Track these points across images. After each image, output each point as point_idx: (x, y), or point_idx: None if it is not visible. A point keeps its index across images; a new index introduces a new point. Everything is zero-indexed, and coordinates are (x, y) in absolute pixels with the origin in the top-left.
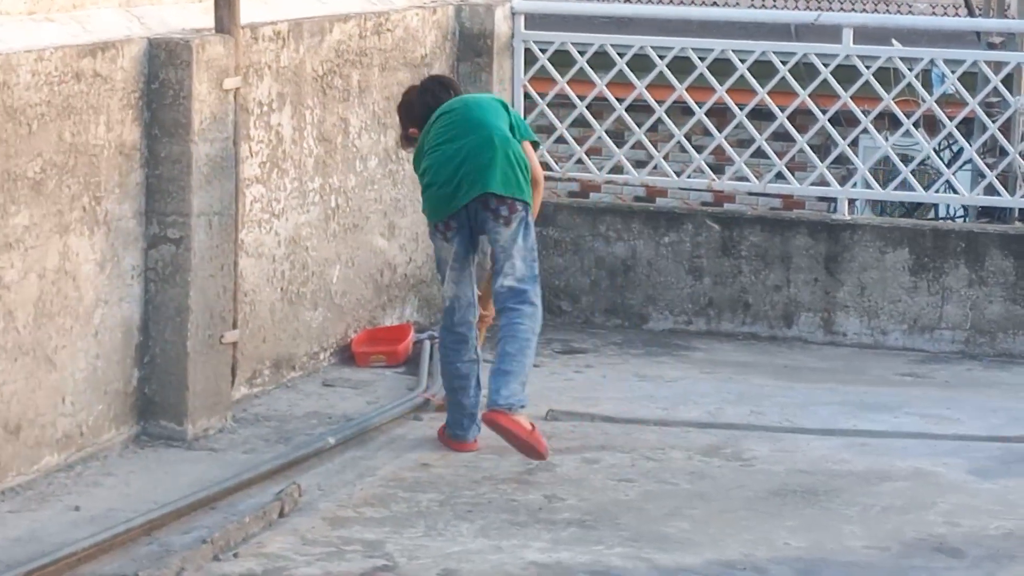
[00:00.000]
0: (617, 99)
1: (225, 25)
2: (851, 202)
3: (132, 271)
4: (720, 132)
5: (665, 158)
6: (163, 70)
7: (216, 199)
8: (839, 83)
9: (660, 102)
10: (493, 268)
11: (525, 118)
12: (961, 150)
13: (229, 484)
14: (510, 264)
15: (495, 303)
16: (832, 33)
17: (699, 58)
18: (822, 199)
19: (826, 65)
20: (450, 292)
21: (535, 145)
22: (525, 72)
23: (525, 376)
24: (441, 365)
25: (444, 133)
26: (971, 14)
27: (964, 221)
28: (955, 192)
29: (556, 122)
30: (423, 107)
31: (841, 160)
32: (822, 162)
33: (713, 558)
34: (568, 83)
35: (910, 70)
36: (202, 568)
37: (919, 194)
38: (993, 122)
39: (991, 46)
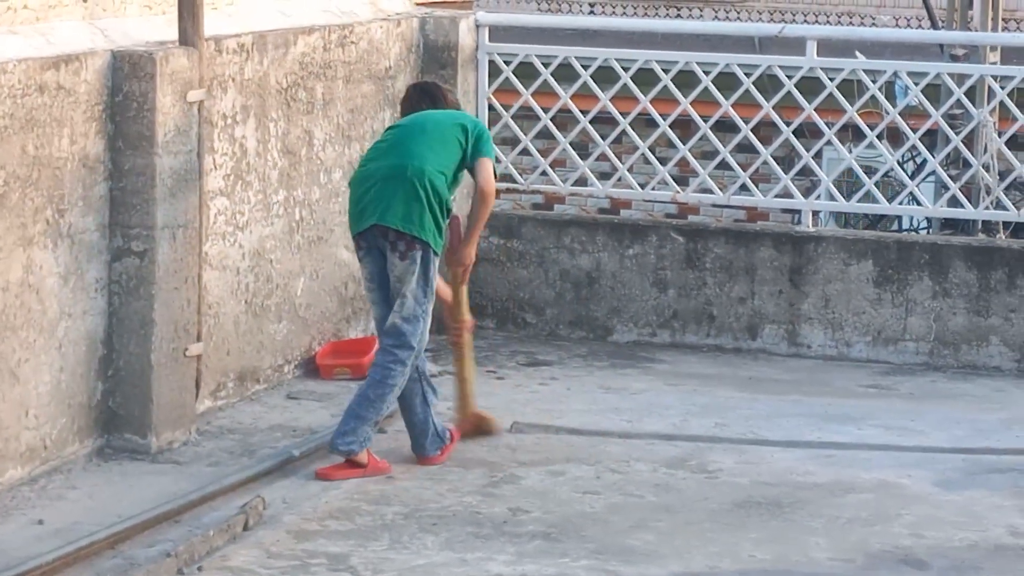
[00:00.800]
0: (581, 111)
1: (189, 38)
2: (815, 214)
3: (96, 284)
4: (684, 144)
5: (629, 170)
6: (127, 83)
7: (180, 212)
8: (803, 95)
9: (624, 114)
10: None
11: (490, 131)
12: (925, 162)
13: (193, 497)
14: (400, 301)
15: (381, 335)
16: (796, 45)
17: (663, 70)
18: (786, 211)
19: (790, 77)
20: (374, 313)
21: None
22: (489, 84)
23: (376, 418)
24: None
25: (375, 150)
26: (934, 26)
27: (928, 233)
28: (919, 204)
29: (520, 134)
30: (402, 110)
31: (805, 172)
32: (786, 174)
33: (678, 571)
34: (532, 95)
35: (874, 82)
36: None
37: (883, 206)
38: (956, 134)
39: (954, 58)
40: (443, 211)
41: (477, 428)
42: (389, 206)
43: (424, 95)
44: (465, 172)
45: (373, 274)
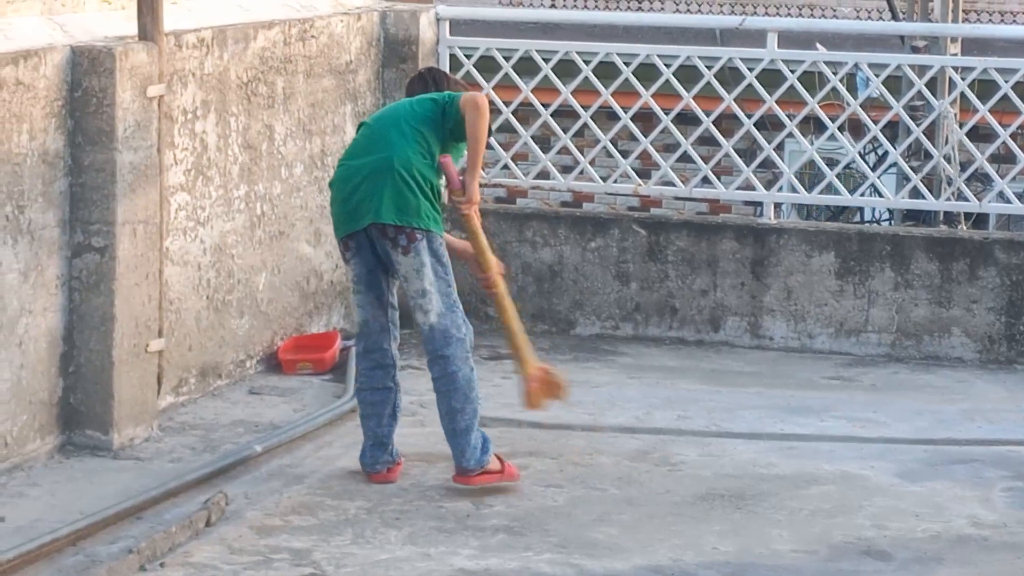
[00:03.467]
0: (543, 104)
1: (148, 32)
2: (777, 206)
3: (56, 280)
4: (646, 137)
5: (591, 163)
6: (86, 78)
7: (141, 207)
8: (764, 87)
9: (586, 107)
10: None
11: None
12: (886, 154)
13: (155, 493)
14: (427, 299)
15: (423, 345)
16: (757, 38)
17: (624, 63)
18: (748, 203)
19: (751, 69)
20: (359, 316)
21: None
22: None
23: (476, 420)
24: (355, 390)
25: (354, 147)
26: (895, 18)
27: (890, 224)
28: (880, 196)
29: None
30: (408, 89)
31: (767, 164)
32: (748, 166)
33: (642, 563)
34: (494, 89)
35: (834, 74)
36: None
37: (844, 198)
38: (917, 125)
39: (915, 50)
40: (435, 195)
41: (545, 385)
42: (382, 202)
43: (419, 80)
44: (457, 143)
45: (361, 276)
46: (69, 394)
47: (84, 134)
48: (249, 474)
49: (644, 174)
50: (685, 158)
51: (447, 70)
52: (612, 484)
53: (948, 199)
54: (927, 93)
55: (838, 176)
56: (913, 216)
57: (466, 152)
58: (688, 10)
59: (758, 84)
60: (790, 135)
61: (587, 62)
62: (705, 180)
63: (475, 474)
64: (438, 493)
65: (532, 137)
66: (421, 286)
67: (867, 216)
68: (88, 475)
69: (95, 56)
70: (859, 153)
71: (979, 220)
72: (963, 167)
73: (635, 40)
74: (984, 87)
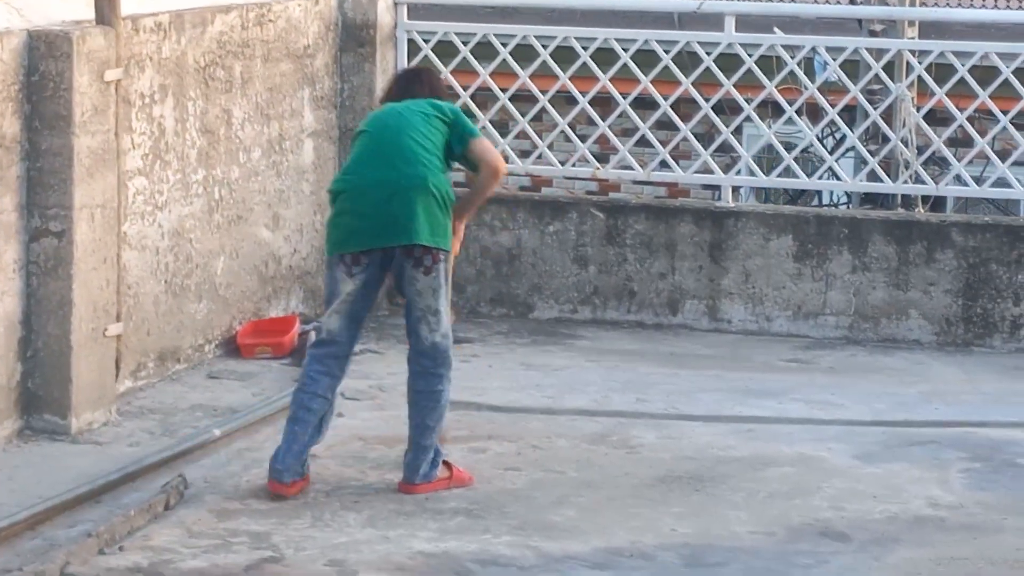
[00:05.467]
0: (501, 89)
1: (106, 17)
2: (735, 190)
3: (14, 265)
4: (604, 121)
5: (550, 147)
6: (43, 62)
7: (98, 192)
8: (722, 71)
9: (544, 91)
10: (409, 314)
11: None
12: (844, 137)
13: (114, 478)
14: (435, 318)
15: (412, 352)
16: (715, 21)
17: (582, 47)
18: (707, 187)
19: (709, 53)
20: (333, 326)
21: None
22: (408, 62)
23: (438, 438)
24: (294, 390)
25: (364, 157)
26: (852, 2)
27: (848, 208)
28: (838, 179)
29: None
30: (388, 94)
31: (725, 148)
32: (706, 150)
33: (600, 545)
34: (452, 73)
35: (792, 58)
36: (87, 562)
37: (802, 181)
38: (875, 109)
39: (872, 33)
40: (448, 213)
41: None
42: (418, 222)
43: (411, 80)
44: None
45: (356, 291)
46: (27, 379)
47: (41, 118)
48: (208, 458)
49: (603, 159)
50: (643, 142)
51: (405, 55)
52: (571, 467)
53: (905, 182)
54: (884, 77)
55: (796, 159)
56: (871, 199)
57: (465, 200)
58: None
59: (716, 68)
60: (748, 119)
61: (545, 46)
62: (663, 164)
63: (421, 486)
64: (397, 476)
65: (490, 121)
66: (435, 306)
67: (825, 199)
68: (46, 460)
69: (52, 40)
70: (817, 137)
71: (936, 203)
72: (920, 150)
73: (593, 24)
74: (941, 71)
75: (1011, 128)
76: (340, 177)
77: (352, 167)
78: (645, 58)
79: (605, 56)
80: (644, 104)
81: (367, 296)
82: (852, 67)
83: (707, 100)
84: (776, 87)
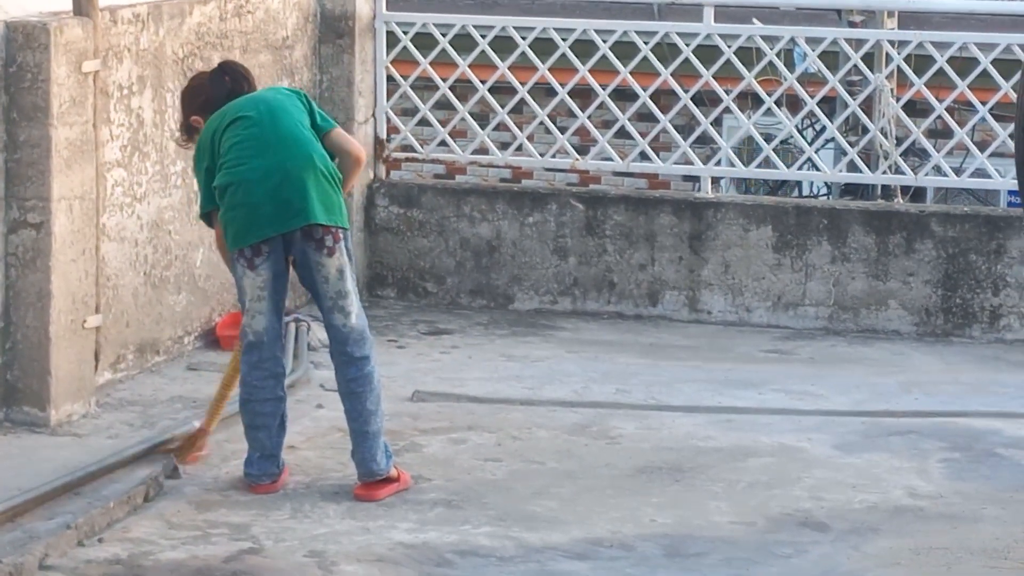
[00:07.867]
0: (480, 80)
1: (83, 7)
2: (715, 181)
3: None
4: (583, 112)
5: (529, 139)
6: (20, 53)
7: (77, 183)
8: (701, 62)
9: (523, 83)
10: (319, 304)
11: (388, 100)
12: (823, 128)
13: (94, 469)
14: (346, 300)
15: (333, 344)
16: (694, 12)
17: (562, 38)
18: (686, 179)
19: (688, 44)
20: (259, 325)
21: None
22: (388, 54)
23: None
24: (240, 401)
25: (248, 146)
26: None
27: (827, 198)
28: (818, 169)
29: (420, 104)
30: (219, 91)
31: (704, 139)
32: (685, 141)
33: (580, 536)
34: (431, 64)
35: (771, 49)
36: (66, 554)
37: (782, 172)
38: (854, 99)
39: (852, 24)
40: (339, 189)
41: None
42: (312, 202)
43: (243, 76)
44: None
45: (268, 282)
46: (6, 371)
47: (19, 110)
48: None
49: (583, 150)
50: (623, 133)
51: (384, 46)
52: (551, 458)
53: (885, 173)
54: (863, 67)
55: (775, 150)
56: (850, 190)
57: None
58: None
59: (695, 59)
60: (727, 110)
61: (524, 37)
62: (643, 155)
63: (381, 480)
64: None
65: (470, 113)
66: (343, 287)
67: (805, 190)
68: (25, 452)
69: (30, 31)
70: (796, 127)
71: (916, 193)
72: (899, 141)
73: (572, 15)
74: (920, 61)
75: (990, 119)
76: (226, 171)
77: (235, 158)
78: (624, 49)
79: (584, 48)
80: (624, 95)
81: (279, 288)
82: (831, 58)
83: (686, 91)
84: (755, 78)
